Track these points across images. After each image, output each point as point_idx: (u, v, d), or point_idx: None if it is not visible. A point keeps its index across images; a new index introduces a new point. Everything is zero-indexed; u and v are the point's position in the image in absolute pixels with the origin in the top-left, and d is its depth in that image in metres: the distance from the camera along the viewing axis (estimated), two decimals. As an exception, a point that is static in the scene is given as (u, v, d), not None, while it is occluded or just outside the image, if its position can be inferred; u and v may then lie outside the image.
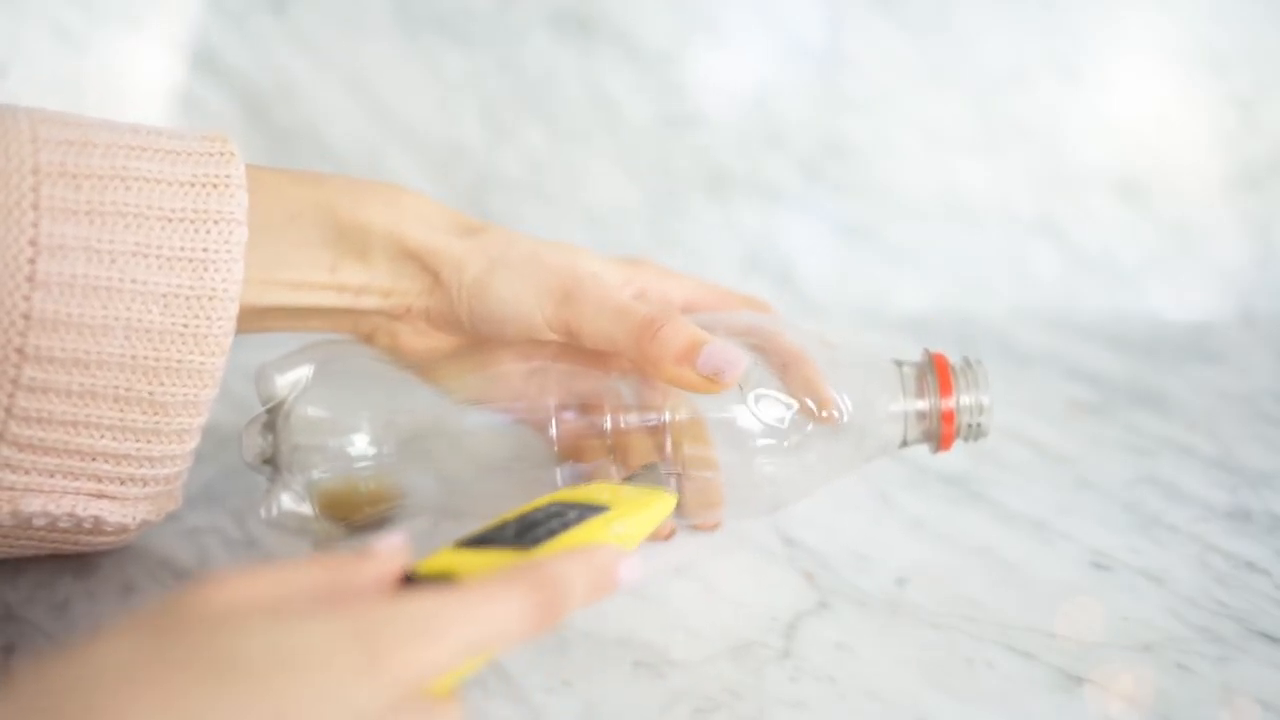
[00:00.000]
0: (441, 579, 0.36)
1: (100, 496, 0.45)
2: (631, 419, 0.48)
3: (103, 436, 0.44)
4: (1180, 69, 0.83)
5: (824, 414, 0.48)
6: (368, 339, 0.52)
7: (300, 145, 0.80)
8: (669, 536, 0.52)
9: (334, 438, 0.48)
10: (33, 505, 0.44)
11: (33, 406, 0.43)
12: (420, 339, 0.52)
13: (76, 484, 0.45)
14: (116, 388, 0.43)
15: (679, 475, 0.48)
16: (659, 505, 0.45)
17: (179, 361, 0.44)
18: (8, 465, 0.43)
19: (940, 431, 0.50)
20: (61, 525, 0.45)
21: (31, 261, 0.41)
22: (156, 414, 0.44)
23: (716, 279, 0.59)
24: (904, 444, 0.50)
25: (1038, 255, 0.85)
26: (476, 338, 0.50)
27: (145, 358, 0.43)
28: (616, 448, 0.48)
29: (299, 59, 0.80)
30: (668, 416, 0.48)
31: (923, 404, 0.50)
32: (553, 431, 0.48)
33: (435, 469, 0.48)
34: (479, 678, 0.43)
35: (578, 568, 0.36)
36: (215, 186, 0.44)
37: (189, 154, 0.44)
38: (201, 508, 0.54)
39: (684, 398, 0.48)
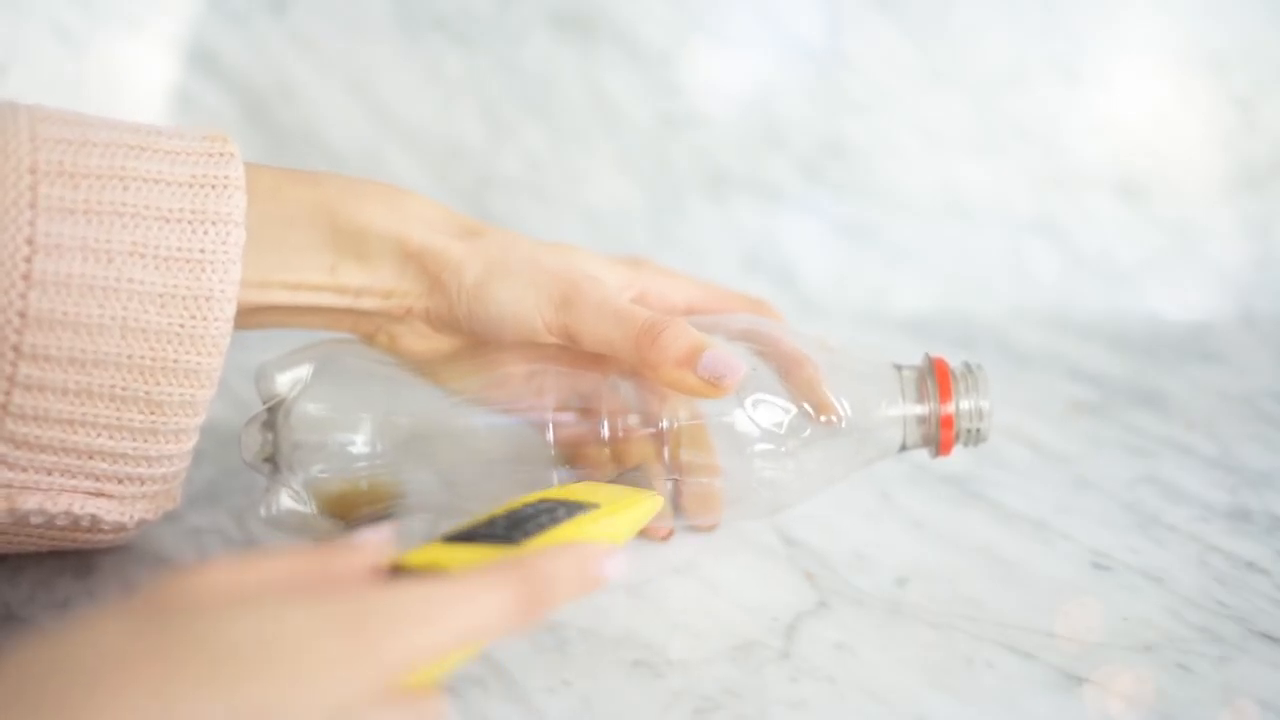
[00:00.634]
0: (428, 571, 0.36)
1: (98, 495, 0.45)
2: (630, 421, 0.48)
3: (100, 435, 0.44)
4: (1180, 69, 0.83)
5: (823, 418, 0.48)
6: (367, 340, 0.52)
7: (300, 145, 0.80)
8: (668, 537, 0.52)
9: (334, 436, 0.48)
10: (29, 503, 0.44)
11: (29, 404, 0.43)
12: (420, 340, 0.52)
13: (74, 482, 0.45)
14: (113, 387, 0.43)
15: (677, 478, 0.48)
16: (646, 505, 0.45)
17: (175, 361, 0.44)
18: (4, 462, 0.43)
19: (939, 437, 0.49)
20: (59, 523, 0.45)
21: (28, 260, 0.41)
22: (153, 413, 0.44)
23: (716, 279, 0.59)
24: (903, 448, 0.50)
25: (1037, 255, 0.85)
26: (476, 340, 0.50)
27: (142, 357, 0.43)
28: (615, 450, 0.48)
29: (299, 59, 0.80)
30: (666, 420, 0.48)
31: (922, 409, 0.49)
32: (550, 433, 0.48)
33: (434, 468, 0.48)
34: (479, 677, 0.43)
35: (564, 563, 0.36)
36: (214, 187, 0.44)
37: (188, 154, 0.44)
38: (201, 508, 0.54)
39: (683, 401, 0.48)
